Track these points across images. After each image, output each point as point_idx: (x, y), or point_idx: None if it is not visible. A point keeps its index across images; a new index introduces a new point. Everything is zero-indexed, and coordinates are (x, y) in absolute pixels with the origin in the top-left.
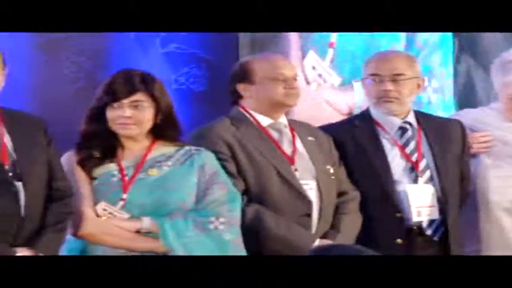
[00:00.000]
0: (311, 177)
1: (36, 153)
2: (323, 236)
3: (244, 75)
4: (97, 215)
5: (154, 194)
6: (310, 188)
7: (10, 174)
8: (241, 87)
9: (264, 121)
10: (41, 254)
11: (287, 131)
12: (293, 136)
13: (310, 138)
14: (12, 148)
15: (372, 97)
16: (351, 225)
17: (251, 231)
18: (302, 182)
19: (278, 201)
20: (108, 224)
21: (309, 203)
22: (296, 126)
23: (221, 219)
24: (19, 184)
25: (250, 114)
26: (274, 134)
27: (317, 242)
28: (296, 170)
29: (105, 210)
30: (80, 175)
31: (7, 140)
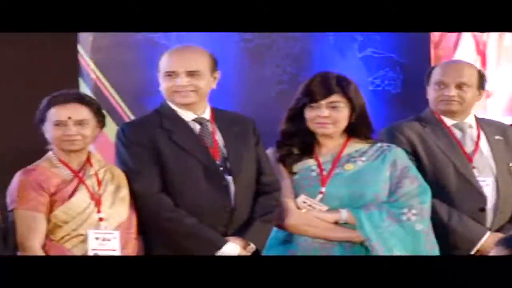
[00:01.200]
0: (489, 174)
1: (245, 150)
2: (498, 230)
3: (426, 78)
4: (298, 208)
5: (351, 187)
6: (487, 185)
7: (221, 168)
8: (426, 89)
9: (449, 121)
10: (251, 244)
11: (471, 130)
12: (478, 136)
13: (497, 137)
14: (223, 145)
15: None
16: None
17: None
18: (479, 179)
19: (453, 195)
20: (309, 215)
21: (484, 198)
22: (485, 126)
23: (413, 211)
24: (229, 178)
25: (437, 114)
26: (458, 133)
27: (488, 235)
28: (474, 167)
29: (305, 202)
30: (281, 170)
31: (219, 137)
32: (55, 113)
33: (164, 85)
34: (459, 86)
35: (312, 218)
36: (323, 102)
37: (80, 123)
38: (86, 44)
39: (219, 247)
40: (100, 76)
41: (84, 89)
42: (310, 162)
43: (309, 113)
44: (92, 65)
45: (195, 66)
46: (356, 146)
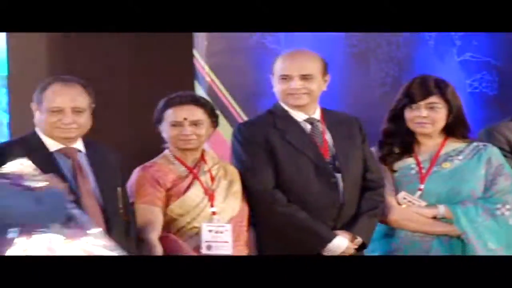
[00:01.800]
0: None
1: (352, 149)
2: None
3: None
4: (399, 203)
5: (448, 184)
6: None
7: (331, 166)
8: None
9: None
10: (358, 238)
11: None
12: None
13: None
14: (332, 144)
15: None
16: None
17: None
18: None
19: None
20: (409, 211)
21: None
22: None
23: (507, 206)
24: (338, 176)
25: None
26: None
27: None
28: None
29: (405, 198)
30: (383, 168)
31: (328, 137)
32: (172, 114)
33: (278, 87)
34: None
35: (412, 213)
36: (422, 103)
37: (195, 123)
38: (201, 49)
39: (329, 241)
40: (214, 78)
41: (199, 91)
42: (410, 161)
43: (408, 114)
44: (206, 69)
45: (309, 70)
46: (453, 145)
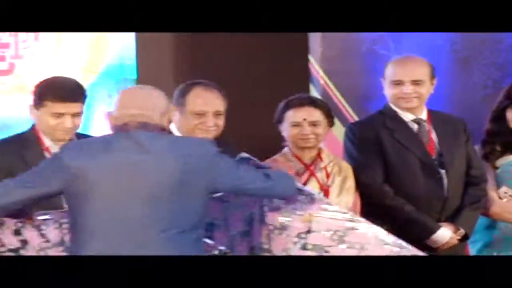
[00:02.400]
0: None
1: (457, 147)
2: None
3: None
4: (500, 198)
5: None
6: None
7: (436, 163)
8: None
9: None
10: (461, 229)
11: None
12: None
13: None
14: (437, 142)
15: None
16: None
17: None
18: None
19: None
20: (509, 204)
21: None
22: None
23: None
24: (442, 171)
25: None
26: None
27: None
28: None
29: (506, 193)
30: (485, 165)
31: (434, 136)
32: (292, 115)
33: (390, 91)
34: None
35: None
36: None
37: (314, 123)
38: (316, 54)
39: (434, 232)
40: (328, 82)
41: (314, 93)
42: (511, 158)
43: (510, 114)
44: (321, 72)
45: (419, 75)
46: None
